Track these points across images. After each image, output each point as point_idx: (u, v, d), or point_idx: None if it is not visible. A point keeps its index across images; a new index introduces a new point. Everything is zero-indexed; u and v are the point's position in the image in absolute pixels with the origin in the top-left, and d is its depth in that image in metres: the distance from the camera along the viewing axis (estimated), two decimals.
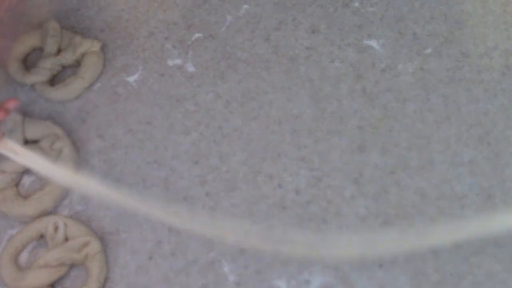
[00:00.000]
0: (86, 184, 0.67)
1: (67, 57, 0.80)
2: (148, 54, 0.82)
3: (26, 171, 0.74)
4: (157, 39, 0.83)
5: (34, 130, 0.75)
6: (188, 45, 0.82)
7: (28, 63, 0.82)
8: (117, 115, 0.78)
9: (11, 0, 0.64)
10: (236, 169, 0.73)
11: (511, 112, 0.75)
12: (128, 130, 0.77)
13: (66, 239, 0.69)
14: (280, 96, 0.78)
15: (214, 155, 0.75)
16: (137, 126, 0.77)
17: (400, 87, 0.77)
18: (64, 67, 0.81)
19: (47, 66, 0.79)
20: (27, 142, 0.75)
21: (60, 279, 0.69)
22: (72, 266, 0.69)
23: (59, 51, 0.81)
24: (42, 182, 0.74)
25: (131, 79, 0.80)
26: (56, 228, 0.69)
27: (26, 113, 0.78)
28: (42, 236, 0.70)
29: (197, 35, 0.82)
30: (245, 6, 0.84)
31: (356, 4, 0.83)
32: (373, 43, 0.80)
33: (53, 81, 0.81)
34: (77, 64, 0.81)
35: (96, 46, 0.80)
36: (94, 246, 0.68)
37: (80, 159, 0.75)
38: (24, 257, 0.70)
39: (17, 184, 0.74)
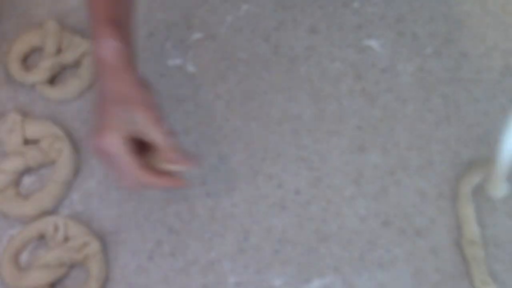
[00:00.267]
0: None
1: (67, 57, 0.80)
2: (148, 54, 0.82)
3: (26, 171, 0.75)
4: (157, 39, 0.83)
5: (34, 130, 0.75)
6: (188, 45, 0.82)
7: (28, 63, 0.82)
8: None
9: None
10: (236, 169, 0.73)
11: (510, 112, 0.75)
12: None
13: (66, 239, 0.69)
14: (280, 96, 0.78)
15: (214, 155, 0.75)
16: None
17: (400, 87, 0.77)
18: (64, 67, 0.81)
19: (47, 66, 0.79)
20: (27, 142, 0.75)
21: (60, 279, 0.69)
22: (72, 266, 0.69)
23: (59, 51, 0.81)
24: (42, 182, 0.74)
25: None
26: (56, 228, 0.69)
27: (26, 113, 0.78)
28: (42, 236, 0.70)
29: (197, 35, 0.82)
30: (245, 6, 0.84)
31: (356, 4, 0.83)
32: (373, 43, 0.80)
33: (53, 81, 0.81)
34: (77, 64, 0.81)
35: None
36: (94, 246, 0.68)
37: (80, 159, 0.75)
38: (24, 257, 0.70)
39: (17, 184, 0.74)
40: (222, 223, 0.71)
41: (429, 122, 0.75)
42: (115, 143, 0.57)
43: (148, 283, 0.68)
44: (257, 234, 0.70)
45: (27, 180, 0.75)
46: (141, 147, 0.60)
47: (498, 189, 0.64)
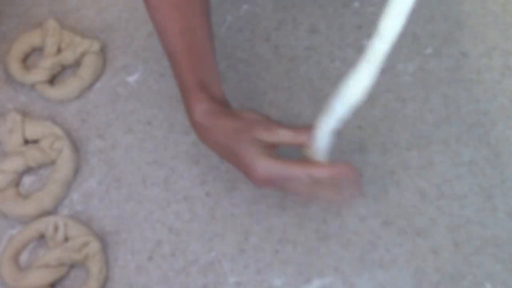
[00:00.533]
0: None
1: (67, 57, 0.80)
2: (148, 54, 0.82)
3: (26, 171, 0.75)
4: (157, 39, 0.82)
5: (34, 130, 0.75)
6: None
7: (28, 63, 0.82)
8: (117, 115, 0.78)
9: None
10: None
11: (511, 112, 0.75)
12: (128, 130, 0.77)
13: (66, 239, 0.69)
14: (280, 96, 0.78)
15: (214, 155, 0.74)
16: (137, 126, 0.77)
17: (400, 87, 0.77)
18: (64, 67, 0.81)
19: (47, 66, 0.79)
20: (27, 142, 0.75)
21: (60, 279, 0.69)
22: (72, 266, 0.69)
23: (59, 51, 0.81)
24: (42, 182, 0.74)
25: (131, 79, 0.80)
26: (56, 228, 0.69)
27: (26, 113, 0.78)
28: (42, 236, 0.70)
29: None
30: (245, 6, 0.84)
31: (356, 4, 0.83)
32: None
33: (53, 81, 0.81)
34: (77, 64, 0.81)
35: (96, 46, 0.80)
36: (94, 246, 0.68)
37: (80, 159, 0.75)
38: (24, 257, 0.70)
39: (17, 184, 0.74)
40: (222, 223, 0.71)
41: (429, 122, 0.75)
42: (268, 166, 0.58)
43: (148, 283, 0.68)
44: (257, 234, 0.70)
45: (27, 180, 0.75)
46: None
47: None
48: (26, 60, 0.82)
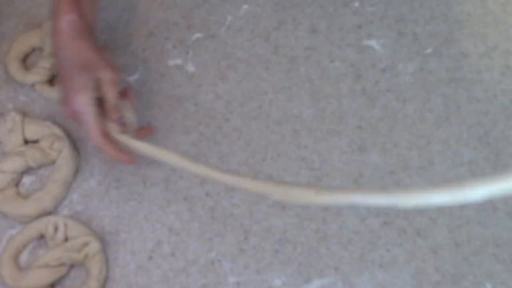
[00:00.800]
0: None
1: None
2: (148, 54, 0.82)
3: (26, 171, 0.75)
4: (157, 39, 0.83)
5: (34, 130, 0.75)
6: (188, 45, 0.82)
7: (28, 63, 0.82)
8: None
9: None
10: (236, 169, 0.73)
11: (511, 112, 0.75)
12: None
13: (66, 239, 0.69)
14: (280, 96, 0.78)
15: (214, 155, 0.75)
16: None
17: (400, 87, 0.77)
18: None
19: (47, 66, 0.79)
20: (27, 142, 0.75)
21: (60, 279, 0.69)
22: (72, 266, 0.69)
23: None
24: (42, 182, 0.74)
25: (131, 79, 0.80)
26: (56, 228, 0.69)
27: (26, 113, 0.78)
28: (42, 236, 0.70)
29: (197, 35, 0.82)
30: (245, 6, 0.84)
31: (356, 4, 0.83)
32: (373, 43, 0.80)
33: (53, 81, 0.81)
34: None
35: None
36: (94, 246, 0.68)
37: (80, 159, 0.75)
38: (24, 257, 0.70)
39: (17, 184, 0.74)
40: (222, 223, 0.71)
41: (429, 122, 0.75)
42: (83, 103, 0.63)
43: (148, 283, 0.68)
44: (257, 234, 0.70)
45: (27, 180, 0.75)
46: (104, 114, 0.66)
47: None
48: (26, 60, 0.82)
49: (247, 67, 0.80)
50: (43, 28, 0.81)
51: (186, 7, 0.85)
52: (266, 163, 0.74)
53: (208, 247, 0.70)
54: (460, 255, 0.67)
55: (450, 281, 0.66)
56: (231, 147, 0.75)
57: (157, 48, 0.82)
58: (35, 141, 0.75)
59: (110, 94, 0.65)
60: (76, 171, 0.74)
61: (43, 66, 0.79)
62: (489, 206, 0.70)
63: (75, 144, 0.76)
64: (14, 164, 0.73)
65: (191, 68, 0.80)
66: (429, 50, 0.79)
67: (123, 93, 0.68)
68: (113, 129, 0.66)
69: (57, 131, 0.74)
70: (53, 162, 0.74)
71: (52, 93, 0.79)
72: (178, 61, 0.81)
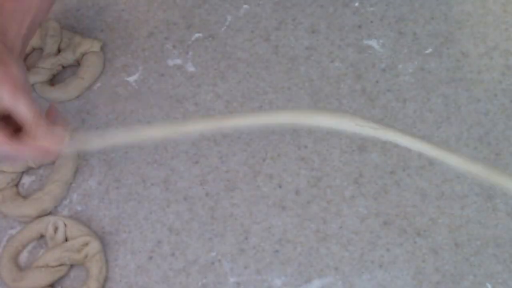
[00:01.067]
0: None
1: (67, 57, 0.80)
2: (148, 54, 0.82)
3: (26, 171, 0.75)
4: (157, 39, 0.83)
5: None
6: (188, 45, 0.82)
7: (28, 63, 0.82)
8: (117, 115, 0.78)
9: None
10: (236, 169, 0.73)
11: (511, 112, 0.75)
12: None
13: (66, 239, 0.69)
14: (280, 96, 0.78)
15: (214, 155, 0.75)
16: (137, 126, 0.77)
17: (400, 87, 0.77)
18: (64, 67, 0.81)
19: (47, 66, 0.79)
20: None
21: (60, 279, 0.69)
22: (72, 266, 0.69)
23: (59, 51, 0.81)
24: (42, 182, 0.74)
25: (131, 79, 0.80)
26: (56, 228, 0.69)
27: None
28: (42, 236, 0.70)
29: (197, 35, 0.82)
30: (245, 6, 0.84)
31: (356, 4, 0.83)
32: (373, 43, 0.80)
33: (53, 81, 0.81)
34: (77, 64, 0.81)
35: (96, 46, 0.80)
36: (94, 246, 0.68)
37: (80, 159, 0.75)
38: (24, 257, 0.70)
39: (17, 184, 0.74)
40: (222, 223, 0.71)
41: (429, 122, 0.75)
42: None
43: (148, 283, 0.68)
44: (257, 234, 0.70)
45: (27, 180, 0.75)
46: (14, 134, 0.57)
47: None
48: (26, 60, 0.82)
49: (247, 67, 0.80)
50: (43, 28, 0.81)
51: (186, 7, 0.85)
52: (266, 163, 0.74)
53: (208, 247, 0.70)
54: (460, 255, 0.67)
55: (450, 281, 0.66)
56: (231, 147, 0.75)
57: (157, 48, 0.82)
58: None
59: (23, 108, 0.57)
60: (76, 171, 0.74)
61: (43, 66, 0.79)
62: (489, 206, 0.69)
63: None
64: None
65: (191, 68, 0.80)
66: (429, 50, 0.79)
67: (48, 114, 0.61)
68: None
69: None
70: (53, 162, 0.74)
71: (53, 93, 0.79)
72: (178, 61, 0.81)
